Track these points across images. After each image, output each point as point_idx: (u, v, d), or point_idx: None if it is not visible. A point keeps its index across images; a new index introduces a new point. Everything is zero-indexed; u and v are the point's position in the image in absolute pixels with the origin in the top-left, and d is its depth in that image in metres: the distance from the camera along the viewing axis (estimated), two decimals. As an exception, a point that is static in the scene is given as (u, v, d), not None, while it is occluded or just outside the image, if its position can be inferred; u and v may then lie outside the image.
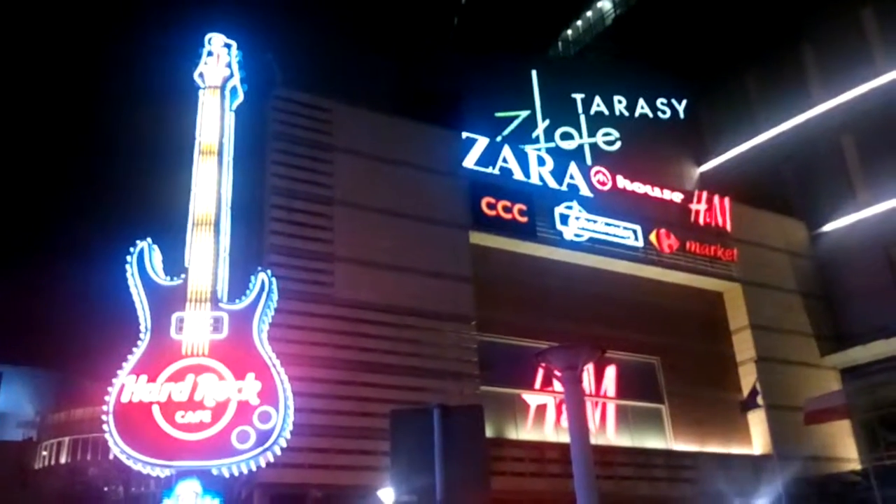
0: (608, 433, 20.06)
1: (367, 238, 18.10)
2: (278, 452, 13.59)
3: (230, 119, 16.38)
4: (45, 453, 36.87)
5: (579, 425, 5.94)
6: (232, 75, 16.66)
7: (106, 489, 33.63)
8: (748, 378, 21.02)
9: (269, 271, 14.93)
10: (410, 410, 6.31)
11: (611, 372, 20.51)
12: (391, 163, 19.33)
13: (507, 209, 20.37)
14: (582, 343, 6.57)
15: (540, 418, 19.29)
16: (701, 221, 23.66)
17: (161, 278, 14.31)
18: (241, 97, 16.86)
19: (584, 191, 21.88)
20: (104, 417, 13.19)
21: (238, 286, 14.92)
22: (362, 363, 16.75)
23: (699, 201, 23.93)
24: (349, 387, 16.31)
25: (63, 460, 35.98)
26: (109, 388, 13.35)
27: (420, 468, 5.82)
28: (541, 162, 21.70)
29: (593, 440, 18.90)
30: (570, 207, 21.32)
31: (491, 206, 20.18)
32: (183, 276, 14.41)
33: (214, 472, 13.23)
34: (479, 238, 19.95)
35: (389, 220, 18.61)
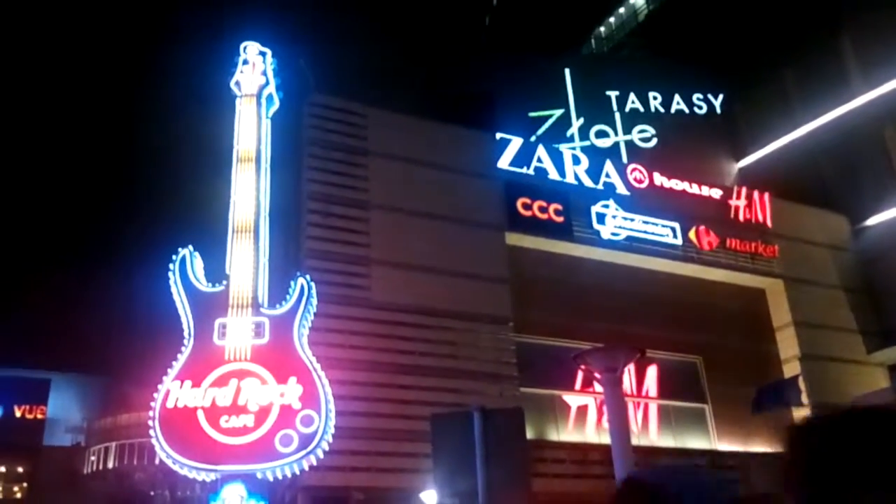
0: (651, 434, 19.86)
1: (404, 241, 18.18)
2: (321, 455, 13.72)
3: (267, 126, 16.60)
4: (93, 458, 37.63)
5: (620, 427, 5.90)
6: (267, 83, 16.89)
7: (153, 493, 34.21)
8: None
9: (307, 276, 15.09)
10: (451, 414, 6.34)
11: (652, 372, 20.31)
12: (426, 165, 19.40)
13: (542, 209, 20.30)
14: (621, 344, 6.52)
15: (581, 419, 19.18)
16: (741, 217, 23.32)
17: (203, 285, 14.54)
18: (276, 104, 17.07)
19: (621, 189, 21.71)
20: (150, 423, 13.46)
21: (278, 291, 15.11)
22: (401, 366, 16.83)
23: (738, 197, 23.59)
24: (389, 389, 16.40)
25: (111, 465, 36.67)
26: (155, 394, 13.62)
27: (462, 471, 5.83)
28: (576, 161, 21.58)
29: (636, 441, 18.84)
30: (606, 206, 21.17)
31: (526, 207, 20.13)
32: (224, 282, 14.63)
33: (259, 475, 13.41)
34: (515, 239, 19.91)
35: (425, 223, 18.67)
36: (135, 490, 34.30)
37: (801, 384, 17.89)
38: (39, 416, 40.62)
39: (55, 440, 40.12)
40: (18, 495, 39.20)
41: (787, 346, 22.62)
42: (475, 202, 19.67)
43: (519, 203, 20.07)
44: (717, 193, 23.35)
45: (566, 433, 18.87)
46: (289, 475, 13.72)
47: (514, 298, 19.03)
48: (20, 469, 39.73)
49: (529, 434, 17.82)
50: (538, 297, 19.63)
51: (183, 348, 13.99)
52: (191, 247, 14.79)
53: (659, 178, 22.46)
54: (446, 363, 17.36)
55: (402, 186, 18.83)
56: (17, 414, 40.63)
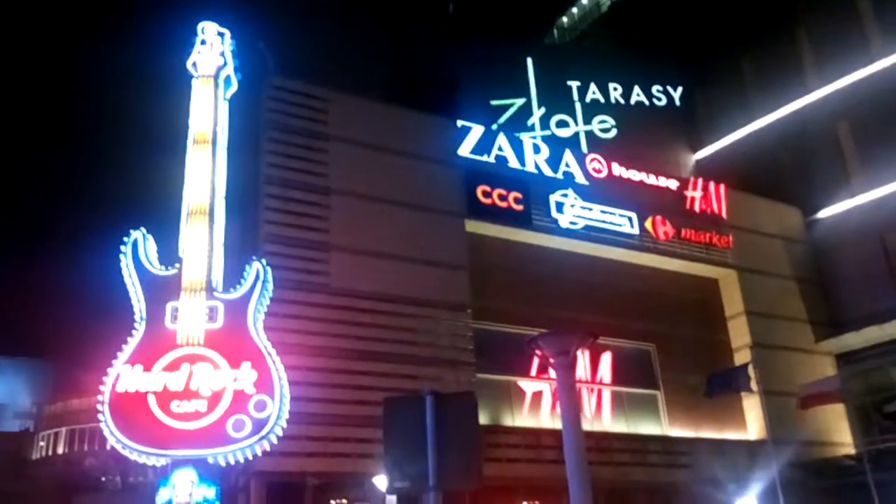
0: (604, 420, 20.13)
1: (363, 227, 18.08)
2: (275, 441, 13.60)
3: (224, 108, 16.31)
4: (42, 444, 36.87)
5: (571, 411, 5.95)
6: (225, 64, 16.57)
7: (103, 479, 33.65)
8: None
9: (263, 260, 14.91)
10: (403, 397, 6.33)
11: (606, 359, 20.57)
12: (386, 151, 19.30)
13: (502, 197, 20.35)
14: (573, 329, 6.58)
15: (536, 405, 19.35)
16: (696, 208, 23.68)
17: (155, 268, 14.27)
18: (234, 86, 16.77)
19: (580, 178, 21.87)
20: (99, 407, 13.20)
21: (233, 276, 14.90)
22: (358, 352, 16.78)
23: (694, 188, 23.94)
24: (345, 375, 16.34)
25: (60, 451, 35.94)
26: (105, 378, 13.35)
27: (413, 455, 5.83)
28: (536, 150, 21.67)
29: (589, 427, 19.11)
30: (565, 195, 21.31)
31: (486, 195, 20.17)
32: (177, 265, 14.38)
33: (210, 460, 13.26)
34: (474, 226, 19.95)
35: (385, 209, 18.59)
36: (85, 476, 33.69)
37: (752, 371, 18.24)
38: (-14, 402, 39.65)
39: (2, 426, 39.21)
40: (-36, 482, 38.26)
41: (739, 334, 23.10)
42: (435, 189, 19.64)
43: (479, 191, 20.10)
44: (673, 184, 23.67)
45: (521, 419, 19.04)
46: (241, 460, 13.59)
47: (473, 285, 19.08)
48: (-35, 455, 38.78)
49: (485, 419, 17.98)
50: (496, 285, 19.72)
51: (134, 332, 13.74)
52: (143, 229, 14.50)
53: (617, 169, 22.68)
54: (404, 349, 17.35)
55: (363, 172, 18.70)
56: (-37, 399, 39.61)
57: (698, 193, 23.87)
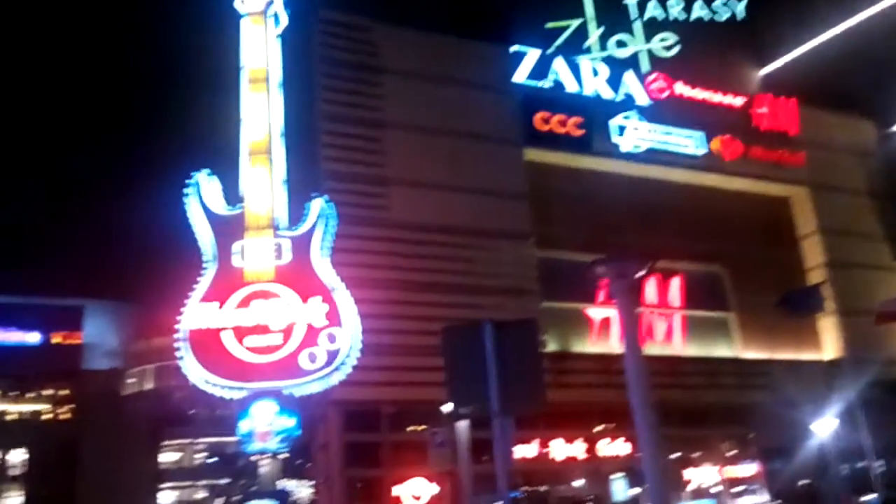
0: (675, 344, 19.96)
1: (420, 159, 18.04)
2: (349, 371, 14.00)
3: (275, 45, 16.27)
4: (132, 380, 38.83)
5: (631, 335, 5.88)
6: (273, 0, 16.46)
7: (192, 412, 35.32)
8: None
9: (325, 197, 15.08)
10: (461, 326, 6.35)
11: (676, 283, 20.26)
12: (440, 82, 19.06)
13: (561, 123, 19.96)
14: (631, 252, 6.46)
15: (605, 331, 19.27)
16: (765, 126, 22.77)
17: (220, 208, 14.59)
18: (284, 22, 16.68)
19: (641, 99, 21.23)
20: (177, 345, 13.77)
21: (299, 212, 15.14)
22: (422, 283, 16.95)
23: (762, 105, 22.97)
24: (412, 307, 16.55)
25: (150, 386, 37.83)
26: (180, 317, 13.89)
27: (475, 381, 5.90)
28: (595, 72, 21.06)
29: (660, 351, 18.97)
30: (627, 118, 20.75)
31: (545, 121, 19.81)
32: (241, 204, 14.67)
33: (286, 392, 13.76)
34: (533, 154, 19.68)
35: (442, 140, 18.47)
36: (175, 409, 35.44)
37: (825, 291, 17.71)
38: (77, 342, 41.73)
39: (94, 364, 41.25)
40: (68, 416, 40.61)
41: (812, 253, 22.45)
42: (492, 118, 19.37)
43: (537, 117, 19.74)
44: (739, 102, 22.76)
45: (590, 345, 19.03)
46: (317, 391, 14.06)
47: (535, 214, 18.95)
48: (65, 392, 41.08)
49: (553, 346, 18.07)
50: (559, 212, 19.53)
51: (203, 271, 14.18)
52: (207, 170, 14.79)
53: (680, 88, 21.93)
54: (468, 280, 17.45)
55: (417, 104, 18.55)
56: (55, 341, 41.82)
57: (766, 110, 22.91)
